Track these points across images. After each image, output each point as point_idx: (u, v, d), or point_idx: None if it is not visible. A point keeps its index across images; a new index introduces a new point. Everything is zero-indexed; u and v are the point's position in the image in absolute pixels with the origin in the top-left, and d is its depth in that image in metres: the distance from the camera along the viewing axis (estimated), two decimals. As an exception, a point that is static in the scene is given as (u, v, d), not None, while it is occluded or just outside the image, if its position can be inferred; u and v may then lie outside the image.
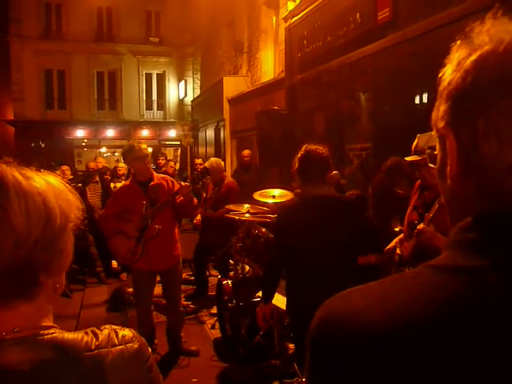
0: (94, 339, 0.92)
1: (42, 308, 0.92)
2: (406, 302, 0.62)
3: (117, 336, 0.95)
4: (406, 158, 3.22)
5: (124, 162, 5.37)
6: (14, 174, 0.89)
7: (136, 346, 0.96)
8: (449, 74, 0.67)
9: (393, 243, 3.39)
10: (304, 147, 3.24)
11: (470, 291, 0.60)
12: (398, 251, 3.26)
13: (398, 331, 0.60)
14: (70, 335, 0.92)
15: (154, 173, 4.72)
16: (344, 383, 0.63)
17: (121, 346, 0.94)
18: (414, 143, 3.12)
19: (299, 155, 3.25)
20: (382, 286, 0.68)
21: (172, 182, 4.69)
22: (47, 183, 0.92)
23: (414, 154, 3.11)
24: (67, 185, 0.96)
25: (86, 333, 0.94)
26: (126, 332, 0.98)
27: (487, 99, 0.61)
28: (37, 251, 0.87)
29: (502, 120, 0.60)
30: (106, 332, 0.95)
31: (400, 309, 0.62)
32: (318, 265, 3.05)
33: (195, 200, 4.66)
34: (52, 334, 0.90)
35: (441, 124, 0.68)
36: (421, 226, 2.90)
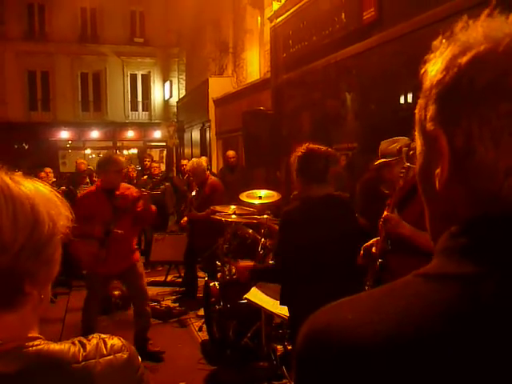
0: (82, 350, 0.88)
1: (26, 319, 0.88)
2: (394, 316, 0.58)
3: (105, 346, 0.91)
4: (376, 163, 3.23)
5: (98, 170, 5.21)
6: (3, 177, 0.87)
7: (125, 355, 0.93)
8: (437, 72, 0.63)
9: (370, 242, 3.42)
10: (304, 146, 3.24)
11: (462, 300, 0.57)
12: (373, 249, 3.30)
13: (387, 348, 0.57)
14: (56, 346, 0.87)
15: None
16: None
17: (110, 357, 0.90)
18: (392, 146, 3.14)
19: (299, 154, 3.24)
20: (371, 297, 0.64)
21: (136, 192, 4.85)
22: (36, 189, 0.89)
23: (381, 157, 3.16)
24: (57, 194, 0.93)
25: (73, 343, 0.90)
26: (115, 341, 0.94)
27: (485, 102, 0.58)
28: (22, 258, 0.84)
29: (500, 124, 0.57)
30: (93, 342, 0.91)
31: (389, 323, 0.58)
32: (324, 263, 3.11)
33: (153, 207, 4.84)
34: (37, 345, 0.86)
35: (429, 124, 0.64)
36: (385, 213, 2.89)
